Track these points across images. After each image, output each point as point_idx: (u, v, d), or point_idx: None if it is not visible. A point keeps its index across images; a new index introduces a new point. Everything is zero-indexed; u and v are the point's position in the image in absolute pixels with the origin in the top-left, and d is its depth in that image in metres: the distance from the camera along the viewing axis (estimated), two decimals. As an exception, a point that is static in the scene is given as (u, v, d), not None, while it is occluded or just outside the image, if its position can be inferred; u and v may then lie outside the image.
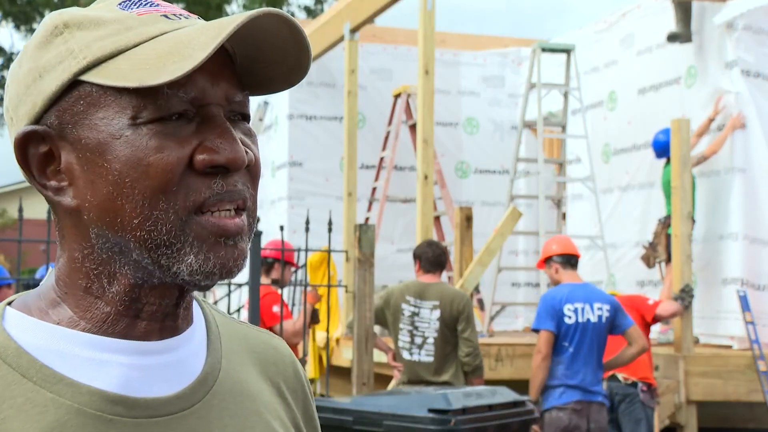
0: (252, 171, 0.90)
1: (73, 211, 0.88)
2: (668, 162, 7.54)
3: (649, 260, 7.92)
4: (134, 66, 0.84)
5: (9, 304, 0.91)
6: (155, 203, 0.85)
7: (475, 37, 11.50)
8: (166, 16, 0.88)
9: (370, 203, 10.25)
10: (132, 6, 0.89)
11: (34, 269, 18.91)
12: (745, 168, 7.64)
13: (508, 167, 10.11)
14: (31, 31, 23.28)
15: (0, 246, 19.79)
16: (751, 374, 6.80)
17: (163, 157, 0.85)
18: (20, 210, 4.31)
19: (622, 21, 9.29)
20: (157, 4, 0.91)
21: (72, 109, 0.87)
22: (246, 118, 0.92)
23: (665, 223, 7.65)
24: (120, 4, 0.90)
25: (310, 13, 23.84)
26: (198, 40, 0.84)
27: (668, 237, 7.43)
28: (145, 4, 0.90)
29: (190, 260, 0.86)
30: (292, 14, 23.37)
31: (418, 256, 5.96)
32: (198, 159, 0.86)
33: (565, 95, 9.31)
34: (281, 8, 23.27)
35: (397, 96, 10.16)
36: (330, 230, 5.25)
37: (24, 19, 22.93)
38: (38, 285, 0.95)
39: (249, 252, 0.89)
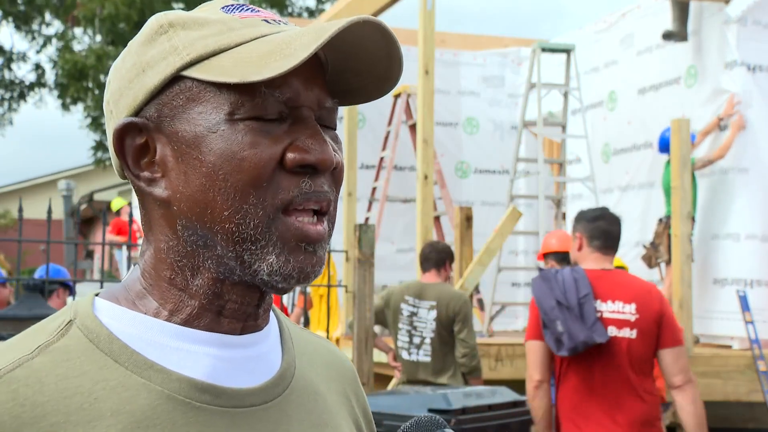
0: (336, 175, 0.94)
1: (162, 203, 0.92)
2: (669, 162, 7.53)
3: (650, 260, 7.91)
4: (236, 63, 0.88)
5: (96, 295, 0.94)
6: (246, 197, 0.88)
7: (475, 37, 11.49)
8: (266, 21, 0.93)
9: (370, 203, 10.25)
10: (235, 10, 0.94)
11: (33, 269, 18.89)
12: (748, 167, 7.63)
13: (508, 167, 10.11)
14: (31, 31, 23.28)
15: (0, 246, 19.78)
16: (751, 374, 6.80)
17: (257, 152, 0.88)
18: (20, 210, 4.30)
19: (621, 21, 9.29)
20: (258, 10, 0.95)
21: (171, 103, 0.91)
22: (333, 124, 0.96)
23: (667, 223, 7.64)
24: (223, 7, 0.94)
25: (312, 14, 23.85)
26: (299, 41, 0.87)
27: (670, 237, 7.42)
28: (247, 9, 0.94)
29: (271, 260, 0.89)
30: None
31: (420, 256, 6.05)
32: (289, 157, 0.89)
33: (565, 95, 9.30)
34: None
35: (397, 96, 10.15)
36: (330, 230, 5.26)
37: (24, 19, 22.93)
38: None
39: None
